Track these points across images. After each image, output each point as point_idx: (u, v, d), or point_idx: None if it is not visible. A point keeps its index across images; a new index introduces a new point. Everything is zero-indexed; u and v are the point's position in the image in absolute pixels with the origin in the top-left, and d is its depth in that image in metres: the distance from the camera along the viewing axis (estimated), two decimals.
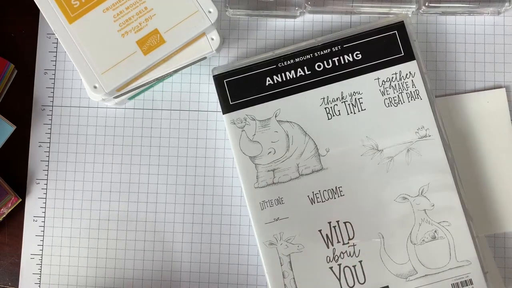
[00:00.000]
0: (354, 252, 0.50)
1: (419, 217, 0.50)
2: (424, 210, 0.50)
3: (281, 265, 0.50)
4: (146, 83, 0.50)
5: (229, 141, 0.52)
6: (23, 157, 0.56)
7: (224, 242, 0.54)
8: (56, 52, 0.57)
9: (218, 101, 0.52)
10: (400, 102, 0.51)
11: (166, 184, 0.55)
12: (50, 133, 0.56)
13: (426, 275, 0.49)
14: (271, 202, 0.50)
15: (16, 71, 0.57)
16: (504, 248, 0.53)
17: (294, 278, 0.50)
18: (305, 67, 0.52)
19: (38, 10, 0.50)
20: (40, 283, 0.55)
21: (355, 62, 0.52)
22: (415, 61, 0.51)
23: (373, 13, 0.54)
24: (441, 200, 0.50)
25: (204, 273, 0.54)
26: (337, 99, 0.51)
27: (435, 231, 0.50)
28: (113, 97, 0.51)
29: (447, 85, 0.54)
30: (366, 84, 0.51)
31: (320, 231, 0.50)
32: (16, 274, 0.55)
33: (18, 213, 0.56)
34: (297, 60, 0.52)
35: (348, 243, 0.50)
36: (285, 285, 0.50)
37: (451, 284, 0.49)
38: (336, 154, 0.51)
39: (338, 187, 0.50)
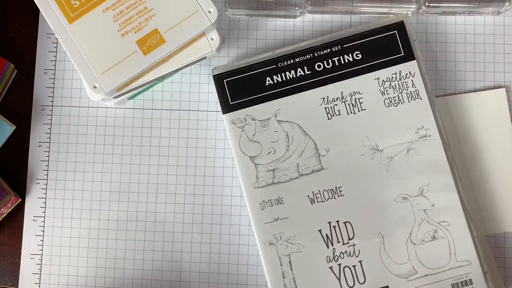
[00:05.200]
0: (354, 252, 0.50)
1: (419, 217, 0.50)
2: (424, 210, 0.50)
3: (281, 265, 0.50)
4: (146, 83, 0.50)
5: (229, 141, 0.52)
6: (23, 157, 0.56)
7: (224, 242, 0.54)
8: (56, 52, 0.57)
9: (218, 101, 0.52)
10: (400, 102, 0.51)
11: (166, 184, 0.55)
12: (50, 133, 0.56)
13: (426, 275, 0.49)
14: (271, 202, 0.50)
15: (16, 71, 0.57)
16: (504, 248, 0.53)
17: (294, 278, 0.50)
18: (305, 67, 0.52)
19: (38, 10, 0.50)
20: (40, 283, 0.55)
21: (355, 62, 0.52)
22: (415, 61, 0.51)
23: (373, 13, 0.54)
24: (441, 200, 0.50)
25: (204, 273, 0.54)
26: (337, 99, 0.51)
27: (435, 231, 0.50)
28: (113, 97, 0.51)
29: (447, 85, 0.54)
30: (366, 84, 0.51)
31: (320, 231, 0.50)
32: (16, 274, 0.55)
33: (18, 213, 0.56)
34: (297, 60, 0.52)
35: (348, 243, 0.50)
36: (285, 285, 0.50)
37: (451, 284, 0.49)
38: (336, 154, 0.51)
39: (338, 187, 0.50)
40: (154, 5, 0.48)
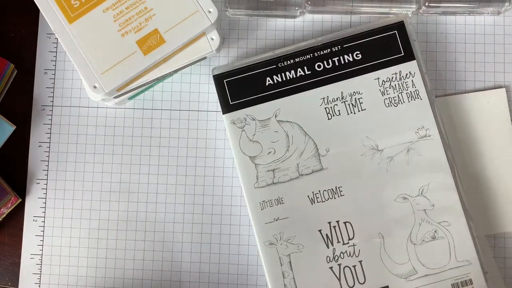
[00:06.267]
0: (354, 252, 0.50)
1: (419, 217, 0.50)
2: (424, 210, 0.50)
3: (281, 265, 0.50)
4: (146, 83, 0.50)
5: (229, 141, 0.52)
6: (23, 157, 0.56)
7: (224, 242, 0.54)
8: (56, 52, 0.57)
9: (218, 101, 0.52)
10: (400, 102, 0.51)
11: (166, 184, 0.55)
12: (50, 133, 0.56)
13: (426, 275, 0.49)
14: (271, 202, 0.50)
15: (16, 71, 0.57)
16: (504, 248, 0.53)
17: (294, 278, 0.50)
18: (305, 67, 0.52)
19: (38, 10, 0.50)
20: (40, 283, 0.55)
21: (355, 62, 0.52)
22: (415, 61, 0.51)
23: (373, 13, 0.54)
24: (441, 200, 0.50)
25: (204, 273, 0.54)
26: (337, 99, 0.51)
27: (435, 231, 0.50)
28: (113, 97, 0.51)
29: (447, 85, 0.54)
30: (366, 84, 0.51)
31: (320, 231, 0.50)
32: (16, 274, 0.55)
33: (18, 213, 0.56)
34: (297, 60, 0.52)
35: (348, 243, 0.50)
36: (285, 285, 0.50)
37: (451, 284, 0.49)
38: (336, 154, 0.51)
39: (338, 187, 0.50)
40: (154, 5, 0.48)
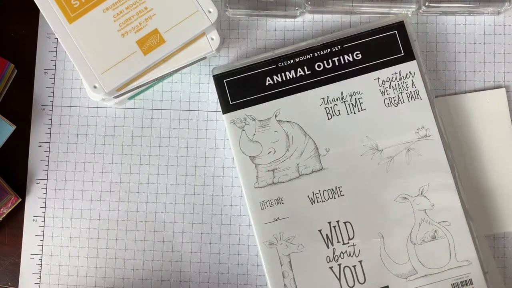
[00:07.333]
0: (354, 252, 0.50)
1: (419, 217, 0.50)
2: (424, 210, 0.50)
3: (281, 265, 0.50)
4: (146, 83, 0.50)
5: (229, 141, 0.52)
6: (23, 157, 0.56)
7: (224, 242, 0.54)
8: (56, 52, 0.57)
9: (218, 101, 0.52)
10: (400, 102, 0.51)
11: (166, 184, 0.55)
12: (50, 133, 0.56)
13: (426, 275, 0.49)
14: (271, 202, 0.50)
15: (16, 71, 0.57)
16: (504, 248, 0.53)
17: (294, 278, 0.50)
18: (305, 67, 0.52)
19: (38, 10, 0.50)
20: (40, 283, 0.55)
21: (355, 62, 0.52)
22: (415, 61, 0.51)
23: (373, 13, 0.54)
24: (441, 200, 0.50)
25: (204, 273, 0.54)
26: (337, 99, 0.51)
27: (435, 231, 0.50)
28: (113, 97, 0.51)
29: (447, 85, 0.54)
30: (366, 84, 0.51)
31: (320, 231, 0.50)
32: (16, 274, 0.55)
33: (18, 213, 0.56)
34: (297, 60, 0.52)
35: (348, 243, 0.50)
36: (285, 285, 0.50)
37: (451, 284, 0.49)
38: (336, 154, 0.51)
39: (338, 187, 0.50)
40: (154, 5, 0.48)
